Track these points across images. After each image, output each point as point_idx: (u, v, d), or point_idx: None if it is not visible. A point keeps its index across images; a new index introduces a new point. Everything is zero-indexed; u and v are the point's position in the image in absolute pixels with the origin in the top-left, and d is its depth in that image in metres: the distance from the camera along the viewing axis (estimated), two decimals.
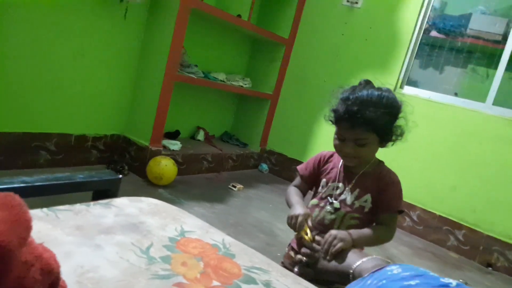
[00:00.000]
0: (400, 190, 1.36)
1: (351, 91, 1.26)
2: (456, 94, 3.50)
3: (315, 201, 1.40)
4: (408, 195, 3.42)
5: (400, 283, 0.65)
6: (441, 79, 3.75)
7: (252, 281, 0.87)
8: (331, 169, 1.41)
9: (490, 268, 3.02)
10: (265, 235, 2.59)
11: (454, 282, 0.62)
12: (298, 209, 1.27)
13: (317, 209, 1.38)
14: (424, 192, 3.37)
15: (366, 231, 1.29)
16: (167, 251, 0.89)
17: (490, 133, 3.10)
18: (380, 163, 1.41)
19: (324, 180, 1.40)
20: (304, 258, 1.18)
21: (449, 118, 3.27)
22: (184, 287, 0.77)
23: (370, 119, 1.21)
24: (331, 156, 1.44)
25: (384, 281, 0.70)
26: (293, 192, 1.43)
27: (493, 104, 3.15)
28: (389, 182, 1.35)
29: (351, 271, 1.02)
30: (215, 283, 0.82)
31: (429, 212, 3.33)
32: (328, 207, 1.34)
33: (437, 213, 3.30)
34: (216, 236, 1.06)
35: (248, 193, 3.41)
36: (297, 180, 1.49)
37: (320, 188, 1.41)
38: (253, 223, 2.76)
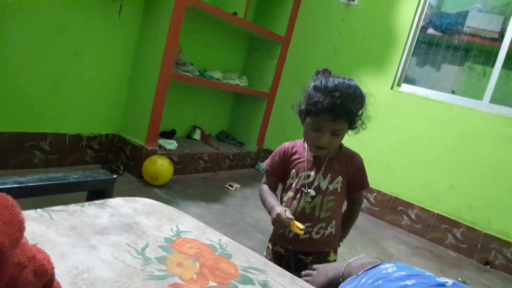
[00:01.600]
0: (365, 169, 1.47)
1: (323, 80, 1.28)
2: (453, 92, 3.50)
3: (290, 194, 1.42)
4: (406, 193, 3.42)
5: (396, 284, 0.65)
6: (438, 77, 3.75)
7: (249, 281, 0.86)
8: (299, 159, 1.43)
9: (488, 266, 3.02)
10: (263, 235, 2.58)
11: (450, 281, 0.61)
12: (277, 209, 1.31)
13: (295, 202, 1.40)
14: (421, 190, 3.37)
15: (350, 224, 1.53)
16: (163, 252, 0.88)
17: (487, 131, 3.10)
18: (341, 145, 1.46)
19: (293, 171, 1.42)
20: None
21: (446, 116, 3.27)
22: (179, 287, 0.76)
23: (351, 111, 1.26)
24: (294, 146, 1.47)
25: (380, 281, 0.69)
26: (266, 193, 1.46)
27: (490, 102, 3.16)
28: (359, 164, 1.44)
29: (341, 274, 1.03)
30: (212, 283, 0.81)
31: (427, 210, 3.33)
32: (306, 197, 1.38)
33: (435, 211, 3.30)
34: (213, 236, 1.04)
35: (245, 192, 3.39)
36: (266, 176, 1.53)
37: (290, 179, 1.43)
38: (251, 222, 2.75)
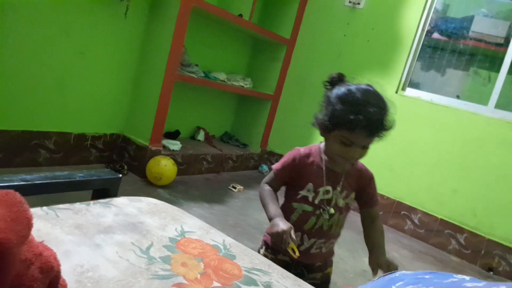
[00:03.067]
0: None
1: (350, 92, 1.21)
2: (458, 97, 3.49)
3: (308, 207, 1.33)
4: (409, 198, 3.41)
5: (413, 276, 0.66)
6: (443, 81, 3.74)
7: (253, 282, 0.86)
8: (316, 171, 1.34)
9: (491, 272, 3.01)
10: None
11: (467, 278, 0.61)
12: (280, 224, 1.22)
13: (313, 217, 1.32)
14: (425, 195, 3.36)
15: (381, 237, 1.36)
16: (167, 251, 0.88)
17: (492, 136, 3.09)
18: None
19: (311, 184, 1.33)
20: None
21: (451, 121, 3.26)
22: (184, 287, 0.76)
23: (385, 125, 1.22)
24: (309, 154, 1.37)
25: (397, 274, 0.70)
26: (268, 196, 1.37)
27: (495, 107, 3.15)
28: (370, 178, 1.40)
29: None
30: (215, 284, 0.81)
31: (430, 215, 3.32)
32: (324, 215, 1.32)
33: (438, 216, 3.29)
34: (217, 237, 1.05)
35: (248, 194, 3.39)
36: (271, 178, 1.41)
37: (305, 191, 1.34)
38: (253, 224, 2.75)
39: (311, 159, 1.36)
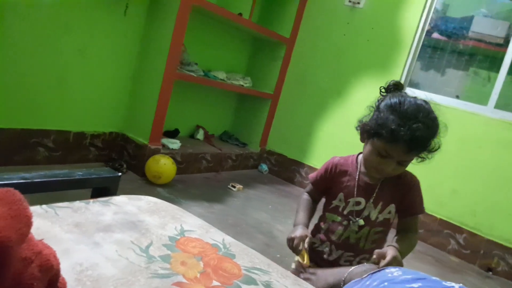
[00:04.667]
0: (421, 191, 1.34)
1: (402, 102, 1.15)
2: (457, 97, 3.49)
3: (337, 217, 1.31)
4: None
5: (402, 285, 0.65)
6: (443, 81, 3.74)
7: (252, 281, 0.86)
8: (348, 181, 1.31)
9: (490, 273, 3.01)
10: (264, 236, 2.58)
11: (456, 286, 0.61)
12: (297, 231, 1.23)
13: (340, 228, 1.30)
14: (424, 195, 3.34)
15: (406, 244, 1.24)
16: (167, 250, 0.88)
17: (491, 137, 3.09)
18: None
19: (341, 194, 1.31)
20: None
21: (450, 121, 3.21)
22: (183, 286, 0.76)
23: (428, 145, 1.17)
24: (344, 164, 1.35)
25: (386, 283, 0.69)
26: (302, 204, 1.37)
27: (494, 108, 3.15)
28: (411, 185, 1.32)
29: (343, 279, 1.02)
30: (215, 283, 0.81)
31: (430, 215, 3.32)
32: (353, 226, 1.28)
33: (438, 216, 3.29)
34: (216, 236, 1.04)
35: (247, 193, 3.39)
36: (310, 187, 1.42)
37: (337, 201, 1.32)
38: (252, 224, 2.75)
39: (345, 168, 1.34)
